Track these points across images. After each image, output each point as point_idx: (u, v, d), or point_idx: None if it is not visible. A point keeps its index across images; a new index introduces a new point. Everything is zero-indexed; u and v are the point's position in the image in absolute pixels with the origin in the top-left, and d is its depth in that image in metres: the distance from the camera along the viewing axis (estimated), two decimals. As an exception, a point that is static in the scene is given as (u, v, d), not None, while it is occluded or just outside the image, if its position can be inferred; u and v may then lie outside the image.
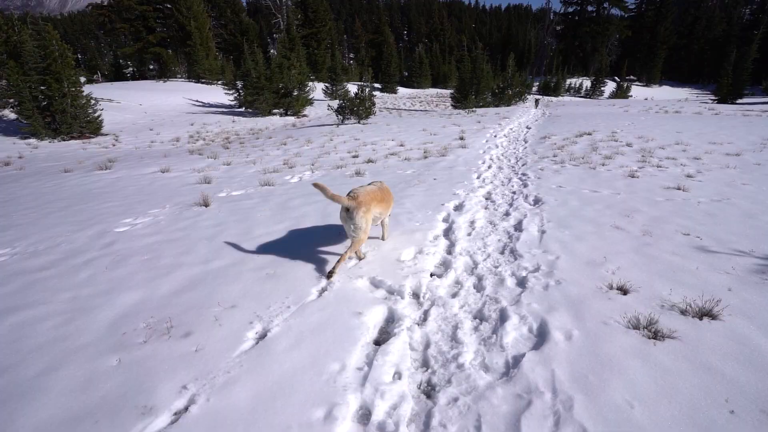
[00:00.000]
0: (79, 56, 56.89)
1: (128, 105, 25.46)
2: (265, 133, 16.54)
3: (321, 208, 5.21)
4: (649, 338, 2.32)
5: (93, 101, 16.30)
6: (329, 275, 3.09)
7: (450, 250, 3.84)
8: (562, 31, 71.83)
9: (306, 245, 3.83)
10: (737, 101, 31.46)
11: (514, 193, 6.00)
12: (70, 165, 9.67)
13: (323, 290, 2.97)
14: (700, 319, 2.49)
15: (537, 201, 5.43)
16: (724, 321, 2.46)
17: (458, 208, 5.21)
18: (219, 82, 36.16)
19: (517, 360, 2.21)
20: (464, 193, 5.94)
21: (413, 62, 58.87)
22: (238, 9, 57.05)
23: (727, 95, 31.78)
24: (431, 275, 3.34)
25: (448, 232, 4.32)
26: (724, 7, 75.00)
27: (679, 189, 5.74)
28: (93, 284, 3.05)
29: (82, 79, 39.92)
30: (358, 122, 16.94)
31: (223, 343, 2.31)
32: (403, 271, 3.25)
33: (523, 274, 3.26)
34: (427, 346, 2.39)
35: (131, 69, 42.92)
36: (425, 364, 2.26)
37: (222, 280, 3.09)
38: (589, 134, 10.92)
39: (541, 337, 2.40)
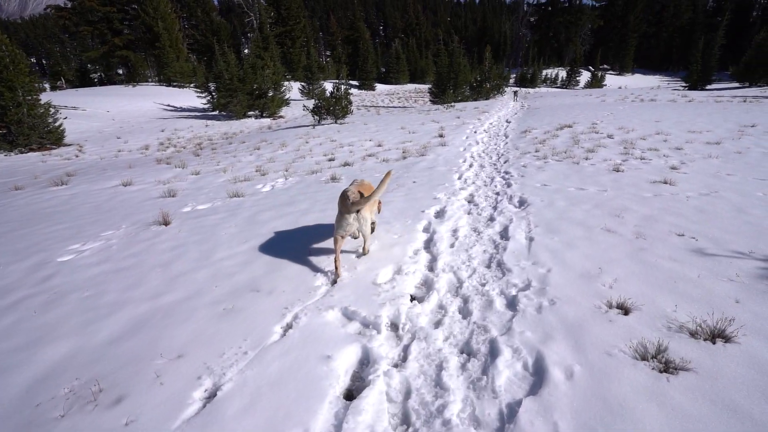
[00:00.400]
0: (43, 62, 54.39)
1: (94, 112, 24.33)
2: (239, 137, 15.93)
3: (292, 221, 4.81)
4: (661, 371, 2.02)
5: (52, 110, 15.37)
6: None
7: (432, 266, 3.50)
8: (536, 22, 72.49)
9: (272, 270, 3.43)
10: (707, 87, 32.15)
11: (497, 194, 5.70)
12: (23, 181, 8.97)
13: (288, 327, 2.59)
14: (713, 342, 2.21)
15: (522, 202, 5.15)
16: (739, 344, 2.18)
17: (440, 214, 4.88)
18: (191, 85, 35.00)
19: (513, 410, 1.88)
20: (445, 196, 5.61)
21: (390, 58, 58.41)
22: (209, 8, 55.41)
23: (697, 82, 32.44)
24: (411, 299, 2.99)
25: (429, 244, 3.98)
26: (691, -5, 76.82)
27: (665, 183, 5.54)
28: (15, 334, 2.59)
29: (46, 86, 38.16)
30: (335, 122, 16.48)
31: (162, 410, 1.91)
32: (379, 297, 2.89)
33: (513, 292, 2.95)
34: (407, 395, 2.04)
35: (98, 74, 41.22)
36: (405, 420, 1.91)
37: (171, 320, 2.67)
38: (570, 126, 10.76)
39: (538, 375, 2.08)
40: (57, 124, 15.60)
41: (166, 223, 4.88)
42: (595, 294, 2.80)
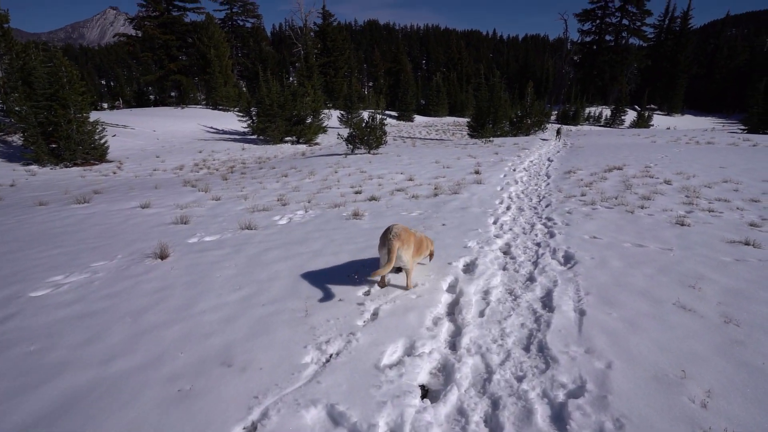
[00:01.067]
0: (112, 84, 59.06)
1: (142, 131, 25.55)
2: (271, 162, 15.95)
3: (299, 264, 4.24)
4: None
5: (99, 127, 16.05)
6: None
7: (454, 343, 2.79)
8: (579, 60, 71.47)
9: (255, 333, 2.84)
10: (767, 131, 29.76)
11: (538, 245, 4.92)
12: (52, 196, 9.05)
13: (253, 428, 1.94)
14: None
15: (568, 259, 4.35)
16: None
17: (469, 268, 4.17)
18: (236, 109, 36.50)
19: None
20: (477, 245, 4.90)
21: (430, 90, 59.02)
22: (260, 38, 58.76)
23: (758, 125, 30.15)
24: (423, 394, 2.28)
25: (453, 310, 3.27)
26: (745, 37, 73.65)
27: (747, 244, 4.58)
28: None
29: (105, 105, 41.04)
30: (368, 152, 16.21)
31: None
32: (380, 390, 2.21)
33: (561, 397, 2.18)
34: None
35: (154, 96, 43.98)
36: None
37: (111, 399, 2.10)
38: (620, 168, 9.80)
39: None
40: (102, 141, 16.25)
41: (163, 257, 4.45)
42: (682, 417, 1.99)
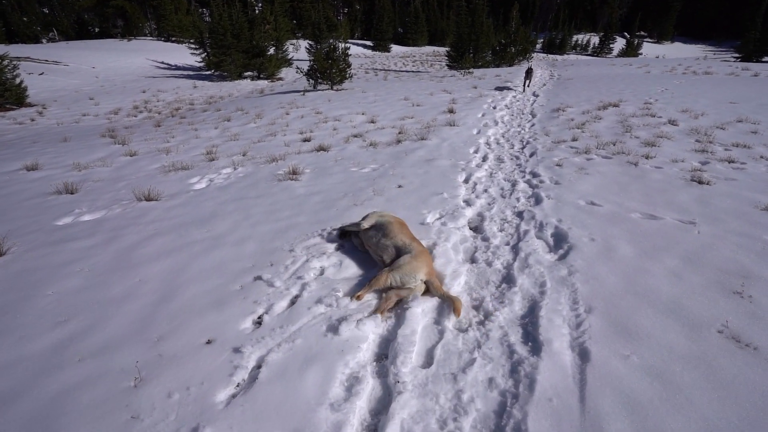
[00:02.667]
0: (45, 11, 51.92)
1: (78, 68, 22.40)
2: (222, 103, 13.91)
3: (180, 263, 2.95)
4: None
5: (9, 65, 13.49)
6: None
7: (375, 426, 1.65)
8: (569, -19, 66.15)
9: None
10: (763, 59, 28.34)
11: (520, 215, 3.73)
12: (-76, 155, 7.25)
13: None
14: None
15: (560, 240, 3.18)
16: None
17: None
18: (191, 41, 32.58)
19: None
20: (439, 219, 3.67)
21: (408, 17, 54.17)
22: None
23: (752, 52, 28.62)
24: None
25: (383, 356, 2.10)
26: (746, -46, 68.72)
27: (791, 211, 3.48)
28: None
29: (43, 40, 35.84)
30: (331, 88, 14.25)
31: None
32: None
33: None
34: None
35: (95, 27, 38.86)
36: None
37: None
38: (616, 105, 8.45)
39: None
40: (17, 81, 13.77)
41: (-9, 256, 3.09)
42: None
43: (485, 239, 3.33)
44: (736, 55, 29.91)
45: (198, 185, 5.06)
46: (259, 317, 2.33)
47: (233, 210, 4.06)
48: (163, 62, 27.14)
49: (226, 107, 11.99)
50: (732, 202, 3.73)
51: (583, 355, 2.00)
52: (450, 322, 2.31)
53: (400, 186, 4.60)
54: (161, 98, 16.34)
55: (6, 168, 5.99)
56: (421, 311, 2.39)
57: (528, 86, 12.36)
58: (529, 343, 2.12)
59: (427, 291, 2.60)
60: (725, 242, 3.02)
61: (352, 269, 2.84)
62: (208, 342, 2.10)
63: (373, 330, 2.23)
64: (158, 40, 34.81)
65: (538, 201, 4.02)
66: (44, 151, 7.08)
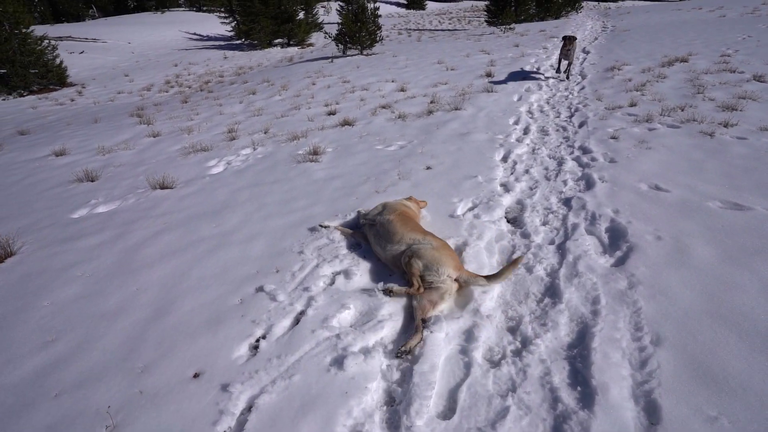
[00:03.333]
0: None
1: (116, 44, 22.77)
2: (249, 75, 13.60)
3: (184, 266, 2.71)
4: None
5: (49, 45, 13.77)
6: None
7: None
8: None
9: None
10: None
11: (567, 204, 3.18)
12: (-32, 140, 7.52)
13: None
14: None
15: (616, 239, 2.64)
16: None
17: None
18: (221, 9, 32.23)
19: None
20: (472, 210, 3.20)
21: (444, -31, 50.49)
22: None
23: None
24: None
25: (401, 385, 1.75)
26: None
27: None
28: None
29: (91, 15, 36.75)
30: (361, 53, 13.49)
31: None
32: None
33: None
34: None
35: (131, 1, 39.26)
36: None
37: None
38: (684, 61, 7.27)
39: None
40: (57, 61, 14.09)
41: (-4, 259, 2.99)
42: None
43: (525, 235, 2.84)
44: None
45: (215, 169, 4.83)
46: (256, 341, 2.03)
47: (246, 199, 3.77)
48: (195, 33, 27.08)
49: (252, 79, 11.67)
50: None
51: (650, 411, 1.55)
52: (480, 352, 1.91)
53: (428, 167, 4.11)
54: (192, 71, 16.28)
55: (37, 154, 6.04)
56: (445, 336, 2.00)
57: (565, 69, 7.36)
58: (579, 388, 1.69)
59: (460, 289, 2.27)
60: (841, 244, 2.35)
61: (365, 278, 2.48)
62: (196, 375, 1.84)
63: (385, 363, 1.88)
64: (190, 10, 34.70)
65: (589, 185, 3.42)
66: (75, 134, 7.12)
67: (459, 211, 3.21)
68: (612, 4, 39.32)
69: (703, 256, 2.37)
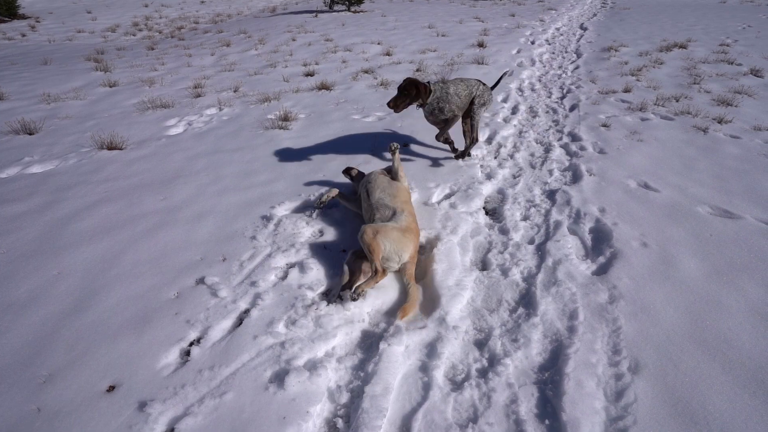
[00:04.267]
0: None
1: (79, -25, 20.62)
2: (226, 23, 12.56)
3: (116, 248, 2.37)
4: None
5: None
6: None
7: None
8: None
9: None
10: None
11: (552, 198, 2.95)
12: None
13: None
14: None
15: (600, 243, 2.45)
16: None
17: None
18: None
19: None
20: (448, 198, 2.94)
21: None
22: None
23: None
24: None
25: (348, 404, 1.53)
26: None
27: None
28: None
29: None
30: (348, 9, 12.60)
31: None
32: None
33: None
34: None
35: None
36: None
37: None
38: (683, 47, 6.98)
39: None
40: (8, -12, 12.63)
41: None
42: None
43: (504, 231, 2.60)
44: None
45: (174, 129, 4.37)
46: (188, 346, 1.76)
47: (202, 168, 3.39)
48: (170, -29, 24.79)
49: (229, 29, 10.76)
50: (838, 198, 2.83)
51: (625, 463, 1.38)
52: (441, 371, 1.70)
53: (405, 144, 3.79)
54: (164, 14, 14.97)
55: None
56: (405, 350, 1.78)
57: (446, 140, 3.42)
58: (547, 421, 1.51)
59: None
60: (833, 264, 2.21)
61: (321, 272, 2.20)
62: (110, 389, 1.56)
63: (333, 380, 1.65)
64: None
65: (576, 177, 3.19)
66: (18, 77, 6.39)
67: (434, 198, 2.95)
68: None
69: (690, 269, 2.20)
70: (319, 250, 2.37)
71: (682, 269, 2.20)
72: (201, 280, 2.10)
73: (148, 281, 2.10)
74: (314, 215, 2.68)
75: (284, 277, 2.16)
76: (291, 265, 2.24)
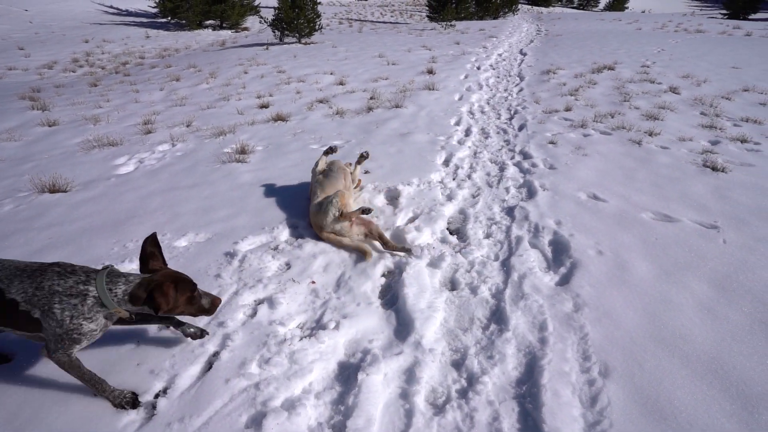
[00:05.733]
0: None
1: (7, 9, 19.70)
2: (174, 58, 12.35)
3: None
4: None
5: None
6: None
7: None
8: (558, -77, 62.16)
9: None
10: (750, 17, 27.57)
11: (510, 214, 3.08)
12: None
13: None
14: None
15: (560, 254, 2.58)
16: None
17: (385, 292, 2.31)
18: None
19: None
20: (413, 221, 2.98)
21: (386, -40, 50.05)
22: None
23: (740, 9, 27.76)
24: None
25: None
26: None
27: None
28: None
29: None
30: (299, 41, 12.81)
31: None
32: None
33: None
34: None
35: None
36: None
37: None
38: (611, 69, 7.68)
39: None
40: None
41: None
42: None
43: (467, 253, 2.66)
44: (724, 11, 28.96)
45: (124, 168, 4.17)
46: (154, 398, 1.64)
47: (158, 207, 3.24)
48: (111, 6, 24.28)
49: (178, 63, 10.57)
50: (755, 197, 3.17)
51: (604, 466, 1.42)
52: (422, 396, 1.69)
53: (366, 171, 3.83)
54: (107, 50, 14.49)
55: None
56: (383, 379, 1.75)
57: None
58: (529, 445, 1.52)
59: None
60: (758, 257, 2.46)
61: (291, 306, 2.15)
62: (63, 456, 1.41)
63: (313, 417, 1.59)
64: (107, -20, 31.02)
65: (531, 193, 3.36)
66: (-57, 119, 5.88)
67: (399, 222, 2.98)
68: (544, 9, 41.64)
69: (641, 272, 2.36)
70: (288, 284, 2.31)
71: (635, 273, 2.35)
72: (162, 329, 1.98)
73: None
74: (278, 250, 2.63)
75: (253, 314, 2.09)
76: (259, 302, 2.17)
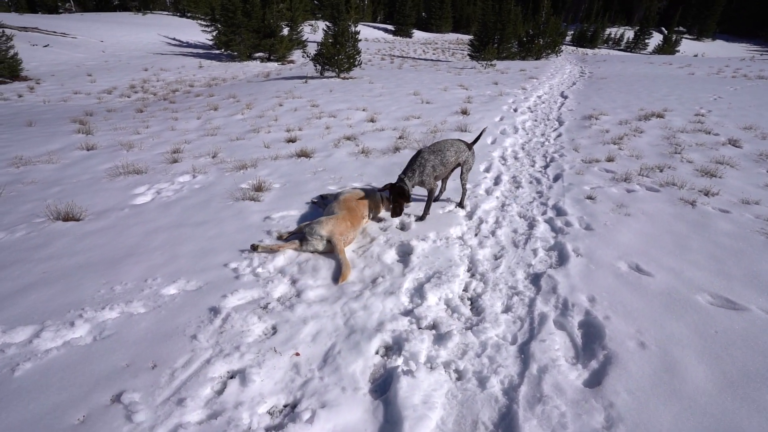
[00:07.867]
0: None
1: (87, 41, 21.72)
2: (219, 88, 12.96)
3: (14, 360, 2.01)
4: None
5: (3, 35, 12.77)
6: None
7: None
8: (607, -31, 62.56)
9: None
10: (818, 63, 25.80)
11: (536, 283, 2.68)
12: None
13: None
14: None
15: (591, 343, 2.16)
16: None
17: (379, 373, 1.98)
18: (204, 17, 31.63)
19: None
20: (424, 285, 2.64)
21: (433, 1, 51.94)
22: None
23: (806, 54, 26.10)
24: None
25: None
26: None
27: None
28: None
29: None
30: (338, 76, 13.12)
31: None
32: None
33: None
34: None
35: (115, -1, 38.20)
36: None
37: None
38: (660, 116, 7.15)
39: None
40: (10, 52, 13.06)
41: None
42: None
43: (483, 328, 2.29)
44: (787, 56, 27.43)
45: (141, 198, 4.15)
46: (75, 502, 1.37)
47: (159, 246, 3.11)
48: (174, 38, 26.30)
49: (221, 92, 11.03)
50: (844, 286, 2.60)
51: None
52: None
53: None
54: (162, 77, 15.48)
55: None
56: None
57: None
58: None
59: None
60: None
61: (266, 384, 1.86)
62: None
63: None
64: (174, 15, 33.95)
65: (562, 258, 2.96)
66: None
67: (407, 285, 2.66)
68: (589, 51, 41.20)
69: (698, 379, 1.89)
70: (269, 354, 2.03)
71: (689, 379, 1.89)
72: (117, 397, 1.74)
73: (52, 398, 1.74)
74: (267, 311, 2.37)
75: (221, 390, 1.82)
76: (231, 375, 1.90)
